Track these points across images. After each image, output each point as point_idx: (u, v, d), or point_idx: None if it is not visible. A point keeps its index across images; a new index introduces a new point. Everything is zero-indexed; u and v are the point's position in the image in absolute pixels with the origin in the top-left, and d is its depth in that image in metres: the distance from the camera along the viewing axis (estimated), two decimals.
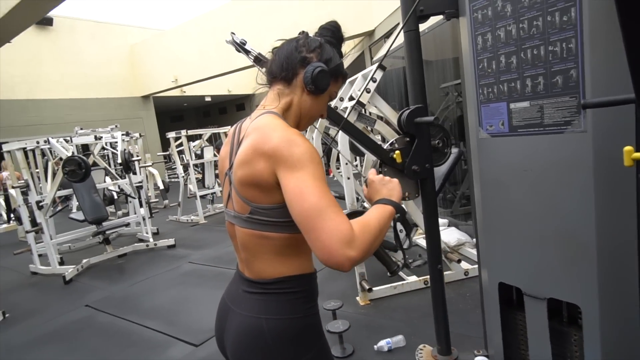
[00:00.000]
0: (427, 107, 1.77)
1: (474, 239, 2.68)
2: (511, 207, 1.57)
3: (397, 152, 1.69)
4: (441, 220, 4.10)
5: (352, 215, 2.95)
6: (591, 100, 1.14)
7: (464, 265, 3.09)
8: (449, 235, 3.60)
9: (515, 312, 1.74)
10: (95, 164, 5.97)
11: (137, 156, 5.91)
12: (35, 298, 4.07)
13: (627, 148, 0.97)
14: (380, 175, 0.99)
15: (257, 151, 0.81)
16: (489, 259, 1.74)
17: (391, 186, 0.97)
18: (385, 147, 1.73)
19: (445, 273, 3.00)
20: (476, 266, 2.65)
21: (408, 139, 1.75)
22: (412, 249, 3.47)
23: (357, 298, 2.96)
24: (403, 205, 1.04)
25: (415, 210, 2.94)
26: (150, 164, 7.72)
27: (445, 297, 1.94)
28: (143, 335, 2.91)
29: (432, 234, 1.84)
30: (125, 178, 5.57)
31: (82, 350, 2.81)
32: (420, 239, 3.73)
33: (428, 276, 1.97)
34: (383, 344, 2.28)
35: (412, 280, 3.04)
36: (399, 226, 1.16)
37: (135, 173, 5.75)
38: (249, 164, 0.82)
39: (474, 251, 3.20)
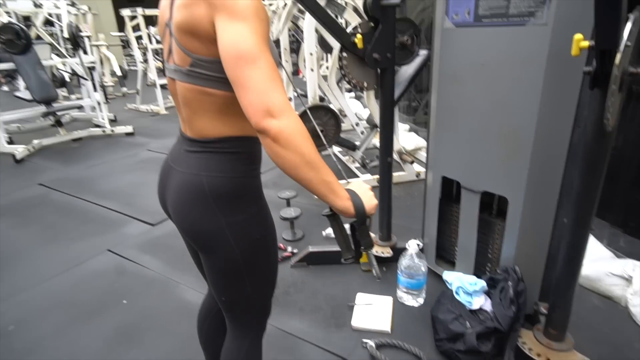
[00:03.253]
0: None
1: None
2: (463, 103, 1.59)
3: (359, 36, 1.61)
4: (402, 125, 4.16)
5: (313, 109, 2.90)
6: None
7: (417, 167, 3.23)
8: (408, 139, 3.69)
9: (452, 204, 1.88)
10: (38, 37, 5.39)
11: (87, 32, 5.36)
12: None
13: (577, 36, 0.96)
14: (368, 186, 0.87)
15: None
16: (437, 155, 1.81)
17: (369, 198, 0.83)
18: (347, 31, 1.65)
19: (398, 173, 3.15)
20: None
21: (372, 24, 1.66)
22: (370, 150, 3.55)
23: None
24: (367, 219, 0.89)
25: (375, 108, 2.93)
26: (104, 44, 7.07)
27: (392, 190, 2.05)
28: (100, 214, 2.96)
29: (386, 127, 1.86)
30: (74, 57, 5.10)
31: (37, 224, 2.84)
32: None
33: None
34: (330, 231, 2.45)
35: (366, 178, 3.17)
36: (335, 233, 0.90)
37: (85, 52, 5.28)
38: (188, 8, 0.75)
39: None
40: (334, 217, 0.86)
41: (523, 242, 1.56)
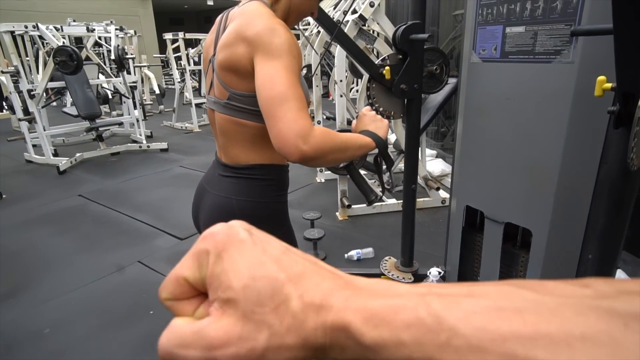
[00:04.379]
0: (424, 24, 1.71)
1: None
2: (489, 134, 1.61)
3: (387, 68, 1.68)
4: (430, 151, 4.17)
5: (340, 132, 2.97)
6: (581, 27, 1.14)
7: (442, 194, 3.22)
8: (435, 165, 3.69)
9: (476, 233, 1.88)
10: (88, 58, 5.79)
11: (132, 54, 5.72)
12: (30, 184, 4.21)
13: (600, 78, 0.98)
14: (373, 112, 1.02)
15: (240, 35, 0.82)
16: (461, 183, 1.83)
17: (380, 124, 0.98)
18: (376, 62, 1.72)
19: (423, 199, 3.16)
20: None
21: (400, 56, 1.72)
22: (397, 174, 3.57)
23: (337, 213, 3.13)
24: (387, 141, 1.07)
25: (402, 133, 2.97)
26: (146, 65, 7.49)
27: (416, 215, 2.07)
28: (133, 226, 3.10)
29: (411, 155, 1.90)
30: (119, 77, 5.44)
31: (74, 233, 3.00)
32: None
33: None
34: (353, 253, 2.47)
35: (391, 202, 3.19)
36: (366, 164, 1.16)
37: (129, 72, 5.62)
38: (230, 47, 0.84)
39: None
40: (351, 168, 1.01)
41: (547, 275, 1.54)
